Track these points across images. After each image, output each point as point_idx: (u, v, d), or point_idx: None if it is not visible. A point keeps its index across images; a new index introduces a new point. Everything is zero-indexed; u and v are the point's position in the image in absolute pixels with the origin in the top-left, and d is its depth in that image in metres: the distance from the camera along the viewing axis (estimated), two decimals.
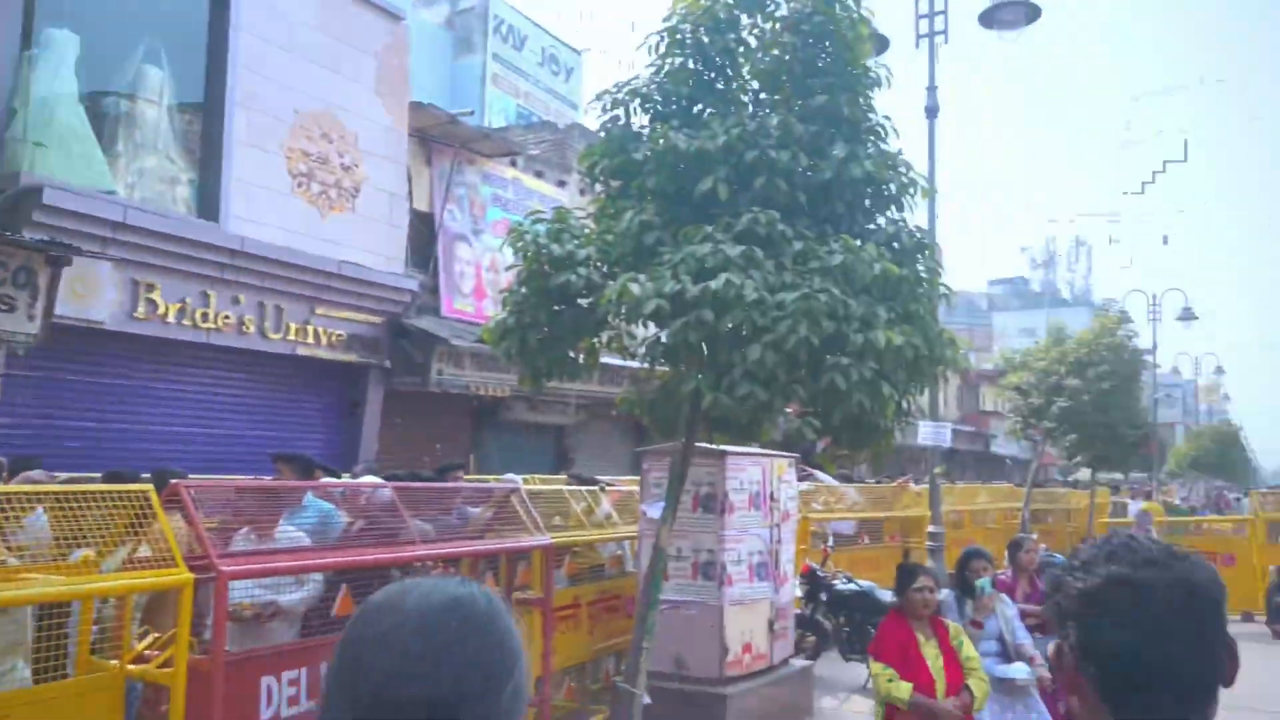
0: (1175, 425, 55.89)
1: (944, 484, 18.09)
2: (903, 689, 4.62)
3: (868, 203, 6.01)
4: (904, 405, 6.05)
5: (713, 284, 4.94)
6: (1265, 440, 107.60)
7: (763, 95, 6.11)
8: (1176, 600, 1.21)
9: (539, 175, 15.28)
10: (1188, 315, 28.59)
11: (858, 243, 5.50)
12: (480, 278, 13.88)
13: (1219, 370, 45.05)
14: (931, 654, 4.82)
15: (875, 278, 5.40)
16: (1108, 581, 1.22)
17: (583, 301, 5.81)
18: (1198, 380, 50.11)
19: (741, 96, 6.08)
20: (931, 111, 11.11)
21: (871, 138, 6.01)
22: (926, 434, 11.53)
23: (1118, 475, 31.10)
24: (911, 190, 6.07)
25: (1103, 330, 16.74)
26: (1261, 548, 14.90)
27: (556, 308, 5.84)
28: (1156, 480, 32.25)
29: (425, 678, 1.04)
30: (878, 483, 15.23)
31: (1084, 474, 20.79)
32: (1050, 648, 1.34)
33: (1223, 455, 35.70)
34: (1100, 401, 15.77)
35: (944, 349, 6.03)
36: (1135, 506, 18.71)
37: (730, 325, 5.10)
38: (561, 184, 15.58)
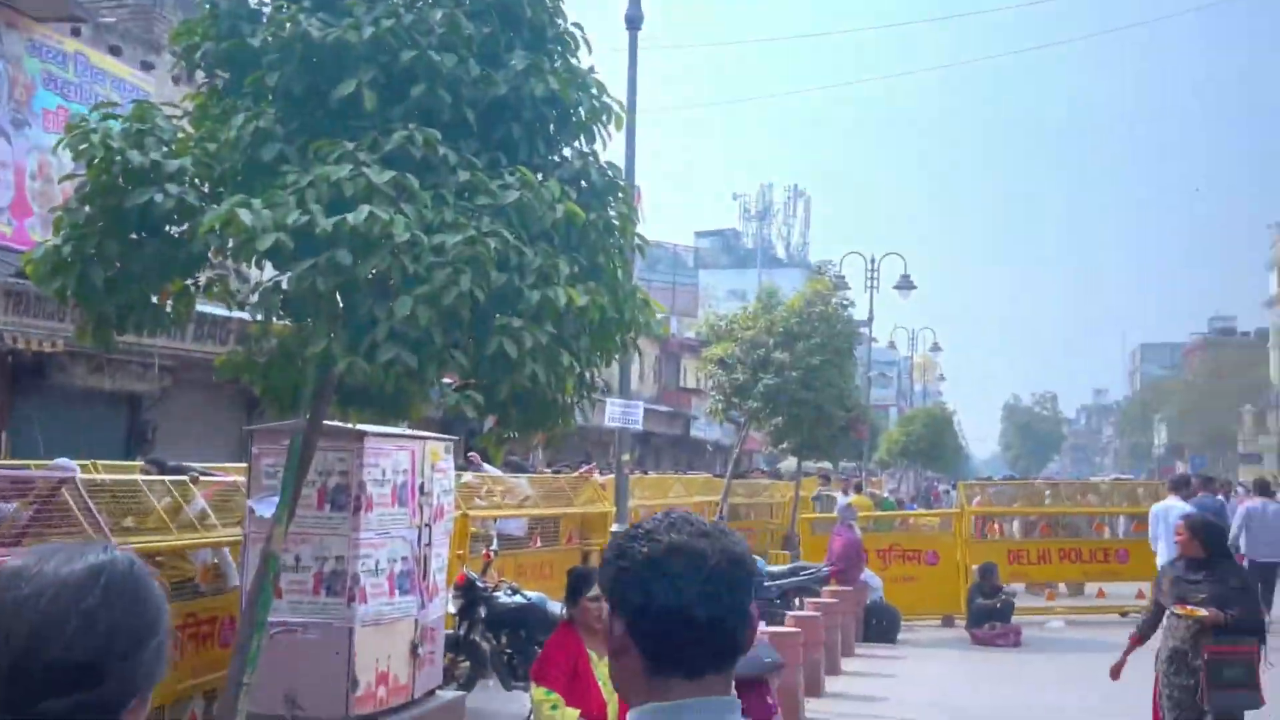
0: (889, 408, 62.53)
1: (634, 474, 19.06)
2: (569, 716, 4.90)
3: (551, 128, 6.20)
4: (587, 378, 6.35)
5: (352, 217, 4.89)
6: (978, 426, 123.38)
7: None
8: (725, 567, 1.67)
9: (114, 52, 14.18)
10: (905, 284, 31.87)
11: (538, 177, 5.67)
12: (23, 188, 12.72)
13: (935, 347, 50.77)
14: (604, 674, 5.13)
15: (557, 222, 5.60)
16: (669, 548, 1.66)
17: (173, 230, 5.53)
18: (913, 357, 56.21)
19: None
20: (633, 22, 11.54)
21: (558, 48, 6.21)
22: (615, 414, 12.08)
23: (828, 464, 34.35)
24: (605, 117, 6.34)
25: (815, 297, 18.33)
26: (966, 545, 17.15)
27: (134, 236, 5.51)
28: (866, 470, 35.94)
29: (69, 642, 1.30)
30: (555, 472, 15.76)
31: (793, 463, 22.71)
32: (605, 613, 1.76)
33: (935, 442, 40.29)
34: (809, 379, 17.29)
35: (637, 311, 6.40)
36: (844, 501, 20.82)
37: (374, 272, 5.09)
38: (147, 67, 14.55)
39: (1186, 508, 13.59)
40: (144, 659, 1.38)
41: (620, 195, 6.48)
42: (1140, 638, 7.14)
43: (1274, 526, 15.58)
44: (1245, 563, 14.40)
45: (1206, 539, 6.94)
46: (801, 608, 12.62)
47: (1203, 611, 6.57)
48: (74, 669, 1.30)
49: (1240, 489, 24.40)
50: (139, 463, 9.57)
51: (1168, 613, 6.87)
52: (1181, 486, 17.84)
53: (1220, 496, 18.61)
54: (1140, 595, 16.78)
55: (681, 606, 1.63)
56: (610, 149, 6.66)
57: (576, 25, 6.31)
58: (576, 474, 15.09)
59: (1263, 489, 17.35)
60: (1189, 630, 6.67)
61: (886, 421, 53.26)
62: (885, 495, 30.86)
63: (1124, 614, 16.78)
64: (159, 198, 5.26)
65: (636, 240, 6.67)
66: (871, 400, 45.67)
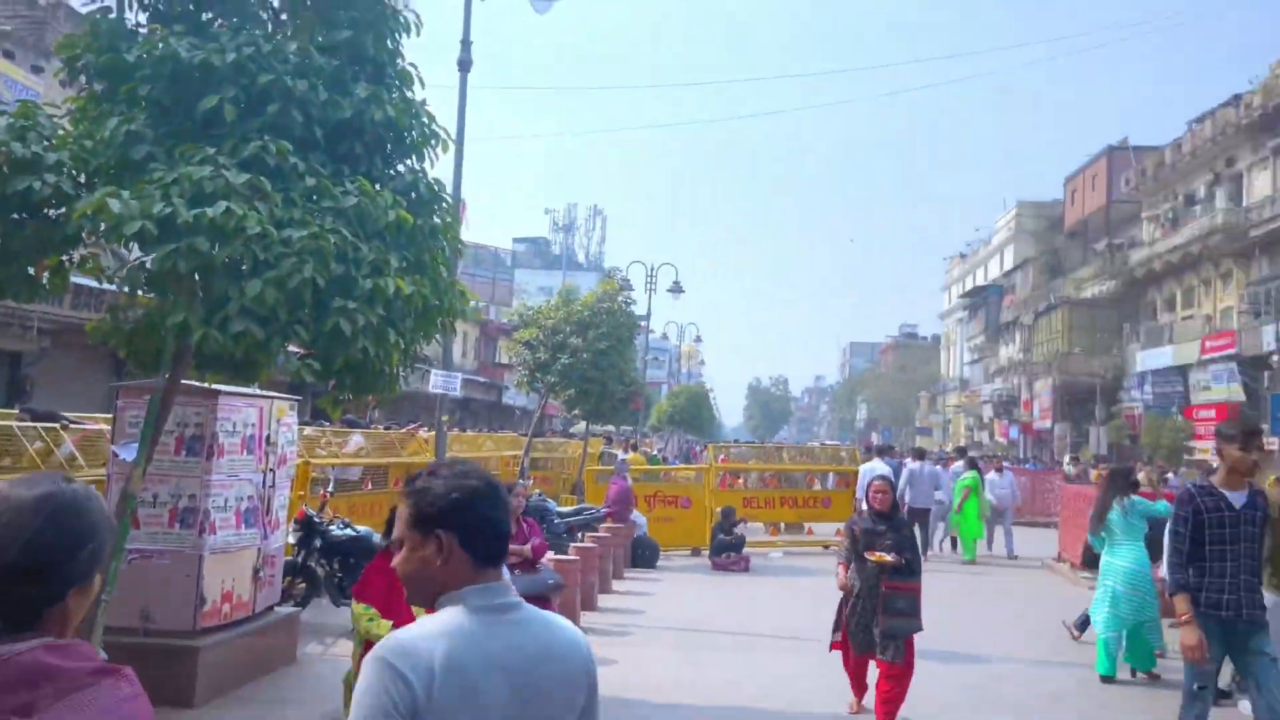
0: (661, 385, 63.72)
1: (453, 432, 18.78)
2: (383, 626, 4.83)
3: (389, 148, 6.06)
4: (411, 353, 6.25)
5: (211, 210, 4.67)
6: (728, 401, 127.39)
7: (284, 17, 5.86)
8: (505, 494, 2.03)
9: (8, 56, 12.95)
10: (677, 288, 32.61)
11: (376, 187, 5.54)
12: None
13: (698, 339, 52.06)
14: None
15: (389, 224, 5.49)
16: (486, 483, 2.00)
17: (51, 213, 5.14)
18: (681, 346, 57.45)
19: (260, 13, 5.77)
20: (464, 65, 11.38)
21: (397, 83, 6.07)
22: (438, 382, 11.91)
23: (611, 427, 34.72)
24: (434, 142, 6.24)
25: (604, 295, 18.49)
26: (713, 492, 17.70)
27: (16, 217, 5.10)
28: (641, 433, 36.57)
29: (23, 550, 1.47)
30: (386, 429, 15.40)
31: (583, 426, 22.88)
32: (427, 541, 1.94)
33: (694, 413, 41.30)
34: (598, 361, 17.45)
35: (455, 300, 6.33)
36: (623, 456, 21.14)
37: (228, 257, 4.87)
38: (38, 70, 13.35)
39: (887, 469, 14.49)
40: (80, 560, 1.52)
41: (444, 206, 6.39)
42: (847, 564, 7.06)
43: (927, 481, 16.87)
44: (906, 510, 15.45)
45: (895, 496, 7.22)
46: (582, 540, 12.79)
47: (889, 557, 6.72)
48: (26, 569, 1.47)
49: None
50: (15, 411, 8.83)
51: (855, 555, 6.94)
52: (885, 452, 18.93)
53: (913, 461, 19.80)
54: (839, 533, 17.71)
55: (497, 521, 1.97)
56: (441, 168, 6.59)
57: (413, 65, 6.19)
58: (404, 431, 14.79)
59: (919, 455, 18.65)
60: (873, 571, 6.79)
61: (658, 395, 54.18)
62: (654, 453, 31.46)
63: (826, 547, 17.65)
64: (38, 185, 4.91)
65: (456, 243, 6.61)
66: (647, 378, 46.40)
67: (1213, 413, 30.64)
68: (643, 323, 32.40)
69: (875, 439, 63.40)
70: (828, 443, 37.35)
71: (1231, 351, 30.59)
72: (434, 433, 13.27)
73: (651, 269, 33.50)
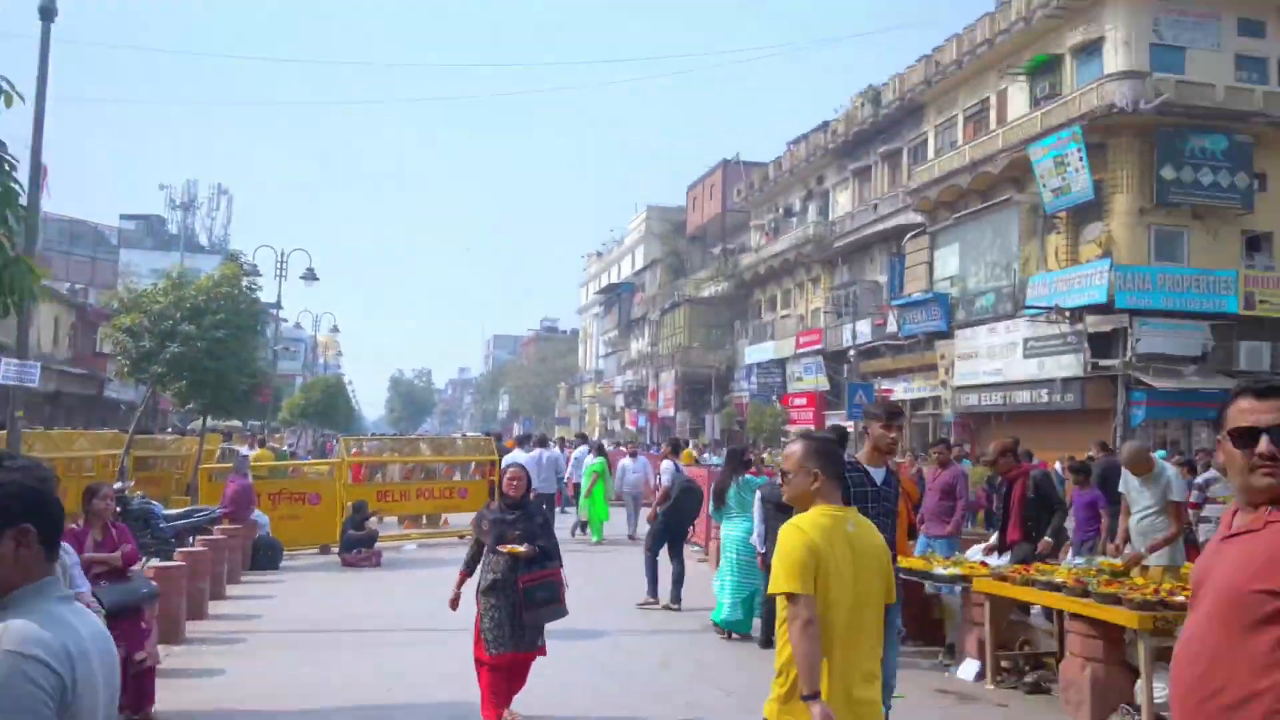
0: (295, 377, 60.31)
1: (37, 429, 16.45)
2: None
3: None
4: None
5: None
6: (369, 393, 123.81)
7: None
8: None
9: None
10: (310, 276, 30.99)
11: None
12: None
13: (335, 329, 49.96)
14: None
15: None
16: (49, 474, 1.99)
17: None
18: (317, 336, 54.75)
19: None
20: (47, 13, 9.97)
21: None
22: (10, 372, 10.37)
23: (237, 422, 32.15)
24: None
25: (224, 279, 17.06)
26: (345, 487, 17.01)
27: None
28: (269, 427, 34.35)
29: None
30: None
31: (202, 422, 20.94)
32: (3, 538, 1.88)
33: (331, 405, 39.58)
34: (215, 350, 16.07)
35: (21, 277, 5.53)
36: (248, 453, 19.71)
37: None
38: None
39: (527, 458, 14.78)
40: None
41: (6, 169, 5.53)
42: (467, 572, 6.67)
43: (549, 468, 17.60)
44: (534, 494, 15.95)
45: (527, 484, 6.77)
46: (193, 544, 11.74)
47: (521, 548, 6.36)
48: None
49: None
50: None
51: (487, 549, 6.53)
52: (524, 442, 19.34)
53: (536, 448, 20.38)
54: (473, 524, 17.79)
55: (63, 513, 1.99)
56: (13, 127, 5.68)
57: None
58: None
59: (542, 442, 19.43)
60: (507, 564, 6.40)
61: (291, 388, 51.24)
62: (284, 449, 29.71)
63: (461, 537, 17.70)
64: None
65: (28, 213, 5.75)
66: (280, 370, 43.61)
67: (804, 400, 34.80)
68: (273, 311, 30.40)
69: (516, 429, 64.69)
70: (470, 434, 37.45)
71: (819, 347, 34.93)
72: (6, 430, 11.51)
73: (282, 254, 31.61)
